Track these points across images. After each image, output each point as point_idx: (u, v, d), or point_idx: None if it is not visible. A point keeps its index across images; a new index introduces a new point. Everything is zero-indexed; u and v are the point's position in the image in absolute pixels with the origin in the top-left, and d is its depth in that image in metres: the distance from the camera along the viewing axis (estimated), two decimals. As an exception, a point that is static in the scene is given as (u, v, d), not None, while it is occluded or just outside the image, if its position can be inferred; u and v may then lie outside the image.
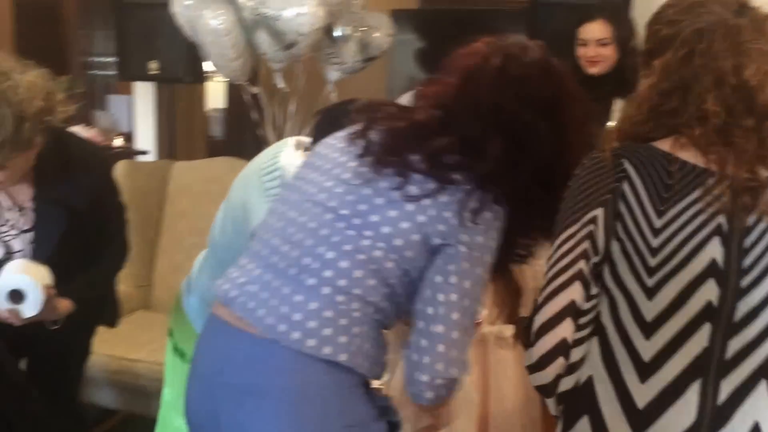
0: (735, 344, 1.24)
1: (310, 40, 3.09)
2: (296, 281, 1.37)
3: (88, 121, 4.95)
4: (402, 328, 1.63)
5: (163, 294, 3.23)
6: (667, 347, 1.25)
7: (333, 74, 3.45)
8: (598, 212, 1.27)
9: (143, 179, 3.41)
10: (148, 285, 3.39)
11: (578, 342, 1.27)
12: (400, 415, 1.48)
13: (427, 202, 1.36)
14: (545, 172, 1.39)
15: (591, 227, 1.26)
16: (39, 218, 2.05)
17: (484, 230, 1.36)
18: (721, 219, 1.24)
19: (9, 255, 2.05)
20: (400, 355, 1.83)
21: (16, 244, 2.06)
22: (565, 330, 1.24)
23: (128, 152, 4.70)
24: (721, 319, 1.24)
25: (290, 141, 1.87)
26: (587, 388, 1.30)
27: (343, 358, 1.32)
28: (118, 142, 4.85)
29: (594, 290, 1.27)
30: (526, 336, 1.29)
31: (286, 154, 1.82)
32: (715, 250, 1.23)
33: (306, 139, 1.84)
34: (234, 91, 4.91)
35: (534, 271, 1.68)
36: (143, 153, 4.76)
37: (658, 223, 1.25)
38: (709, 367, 1.24)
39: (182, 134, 4.89)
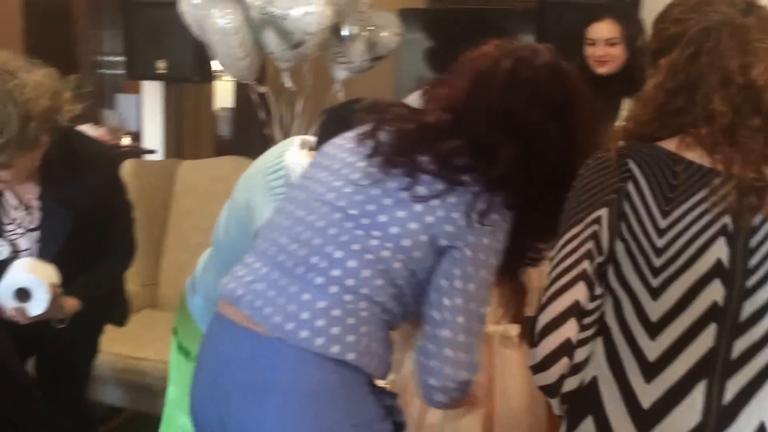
0: (741, 344, 1.23)
1: (318, 39, 3.09)
2: (304, 280, 1.37)
3: (96, 120, 4.97)
4: (407, 328, 1.63)
5: (169, 293, 3.24)
6: (673, 347, 1.24)
7: (340, 73, 3.45)
8: (603, 212, 1.26)
9: (150, 178, 3.41)
10: (154, 284, 3.40)
11: (582, 342, 1.26)
12: (405, 416, 1.48)
13: (435, 202, 1.36)
14: (554, 174, 1.40)
15: (595, 227, 1.26)
16: (45, 217, 2.05)
17: (490, 232, 1.37)
18: (727, 219, 1.23)
19: (16, 253, 2.05)
20: (406, 355, 1.83)
21: (23, 243, 2.07)
22: (569, 330, 1.24)
23: (136, 151, 4.71)
24: (726, 319, 1.23)
25: (295, 140, 1.87)
26: (592, 389, 1.29)
27: (350, 357, 1.32)
28: (125, 141, 4.86)
29: (598, 290, 1.26)
30: (531, 335, 1.29)
31: (291, 153, 1.82)
32: (720, 250, 1.23)
33: (311, 138, 1.84)
34: (242, 90, 4.92)
35: (539, 271, 1.67)
36: (151, 152, 4.77)
37: (663, 223, 1.24)
38: (714, 368, 1.24)
39: (190, 133, 4.90)
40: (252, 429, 1.36)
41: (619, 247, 1.26)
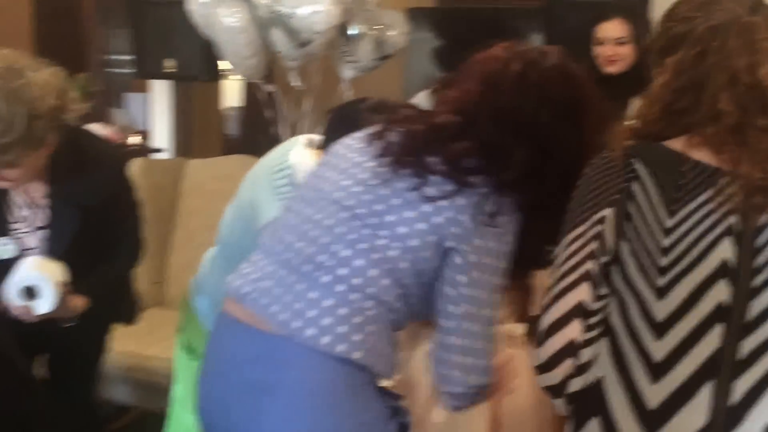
0: (748, 345, 1.22)
1: (325, 38, 3.10)
2: (310, 278, 1.37)
3: (105, 119, 4.98)
4: (413, 327, 1.63)
5: (176, 291, 3.24)
6: (679, 348, 1.24)
7: (348, 72, 3.46)
8: (607, 212, 1.26)
9: (158, 177, 3.42)
10: (161, 282, 3.41)
11: (587, 343, 1.26)
12: (410, 416, 1.47)
13: (444, 203, 1.36)
14: (565, 176, 1.39)
15: (600, 227, 1.25)
16: (53, 216, 2.06)
17: (498, 234, 1.37)
18: (733, 219, 1.22)
19: (24, 252, 2.06)
20: (411, 354, 1.83)
21: (31, 241, 2.07)
22: (574, 331, 1.24)
23: (144, 150, 4.72)
24: (733, 319, 1.22)
25: (301, 139, 1.88)
26: (597, 389, 1.28)
27: (356, 355, 1.32)
28: (134, 139, 4.87)
29: (603, 291, 1.26)
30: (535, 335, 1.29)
31: (297, 152, 1.82)
32: (726, 250, 1.22)
33: (316, 138, 1.84)
34: (250, 89, 4.93)
35: (545, 270, 1.67)
36: (159, 151, 4.78)
37: (669, 222, 1.24)
38: (721, 368, 1.23)
39: (198, 132, 4.91)
40: (258, 428, 1.36)
41: (624, 248, 1.25)
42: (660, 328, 1.24)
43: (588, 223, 1.26)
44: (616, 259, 1.26)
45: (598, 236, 1.25)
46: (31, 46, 4.42)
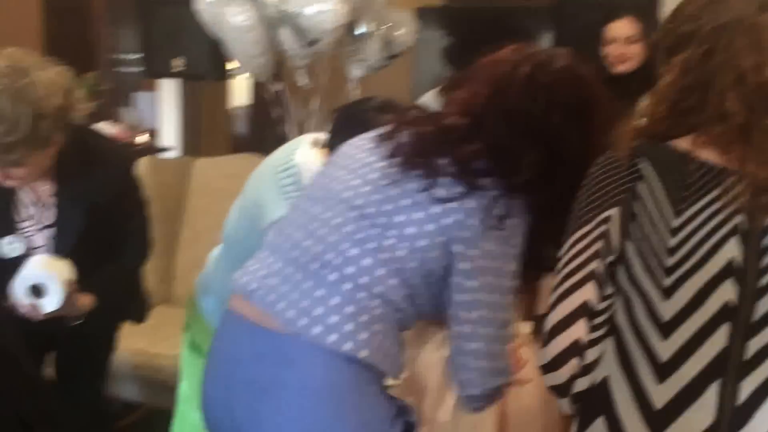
0: (754, 345, 1.22)
1: (333, 37, 3.10)
2: (318, 276, 1.37)
3: (114, 118, 4.99)
4: (420, 325, 1.63)
5: (184, 289, 3.25)
6: (685, 347, 1.23)
7: (355, 71, 3.46)
8: (613, 212, 1.25)
9: (166, 175, 3.43)
10: (168, 280, 3.41)
11: (593, 342, 1.26)
12: (416, 415, 1.47)
13: (453, 205, 1.36)
14: (574, 177, 1.39)
15: (605, 227, 1.25)
16: (60, 214, 2.06)
17: (507, 237, 1.37)
18: (740, 218, 1.22)
19: (31, 250, 2.07)
20: (418, 352, 1.83)
21: (38, 240, 2.08)
22: (579, 331, 1.23)
23: (152, 149, 4.73)
24: (739, 319, 1.22)
25: (306, 138, 1.88)
26: (603, 389, 1.28)
27: (363, 354, 1.32)
28: (142, 138, 4.88)
29: (608, 290, 1.25)
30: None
31: (302, 151, 1.82)
32: (733, 250, 1.21)
33: (322, 137, 1.84)
34: (259, 88, 4.93)
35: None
36: (167, 149, 4.79)
37: (675, 222, 1.23)
38: (728, 368, 1.22)
39: (206, 131, 4.92)
40: (263, 426, 1.36)
41: (630, 247, 1.25)
42: (666, 328, 1.24)
43: (593, 223, 1.26)
44: (622, 259, 1.26)
45: (604, 236, 1.25)
46: (41, 45, 4.44)
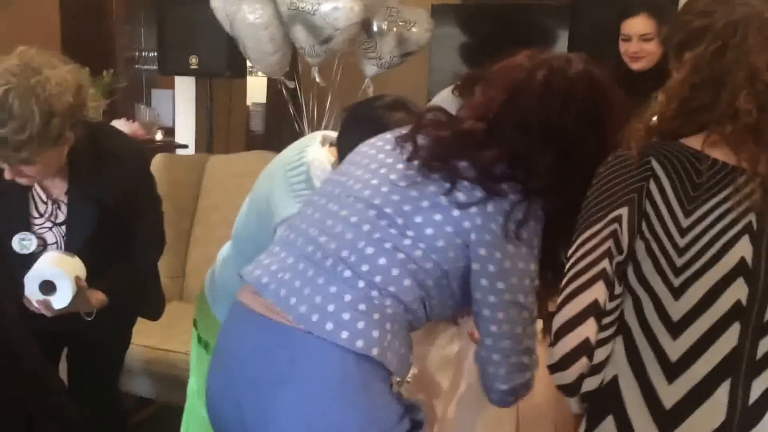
0: (765, 344, 1.21)
1: (347, 34, 3.09)
2: (332, 272, 1.37)
3: (131, 115, 5.02)
4: (429, 323, 1.62)
5: (196, 285, 3.24)
6: (695, 347, 1.23)
7: (370, 69, 3.45)
8: (623, 211, 1.25)
9: (180, 172, 3.44)
10: (181, 276, 3.42)
11: (602, 342, 1.25)
12: (423, 413, 1.47)
13: (474, 210, 1.37)
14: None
15: (615, 226, 1.24)
16: (72, 212, 2.07)
17: (528, 239, 1.38)
18: (751, 217, 1.21)
19: (44, 247, 2.08)
20: (428, 348, 1.82)
21: (51, 237, 2.09)
22: (588, 330, 1.23)
23: (168, 146, 4.75)
24: (750, 318, 1.21)
25: (317, 136, 1.87)
26: (612, 388, 1.28)
27: (375, 352, 1.32)
28: (159, 135, 4.90)
29: (618, 290, 1.25)
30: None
31: (313, 149, 1.82)
32: (744, 249, 1.20)
33: (333, 135, 1.84)
34: (274, 85, 4.94)
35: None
36: (184, 146, 4.81)
37: (685, 221, 1.22)
38: (738, 367, 1.22)
39: (222, 128, 4.93)
40: (272, 422, 1.36)
41: (640, 246, 1.24)
42: (676, 327, 1.23)
43: (603, 222, 1.25)
44: (631, 258, 1.25)
45: (613, 235, 1.24)
46: (59, 44, 4.47)
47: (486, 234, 1.36)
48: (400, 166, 1.44)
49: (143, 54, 5.84)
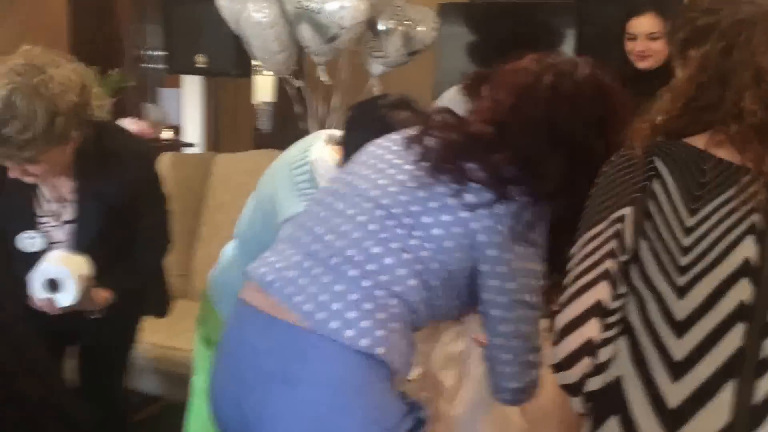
0: None
1: (353, 33, 3.09)
2: (337, 271, 1.37)
3: (139, 114, 5.03)
4: (433, 323, 1.62)
5: (202, 283, 3.21)
6: (700, 347, 1.22)
7: (376, 68, 3.45)
8: (627, 211, 1.24)
9: (187, 171, 3.45)
10: (187, 274, 3.43)
11: (606, 342, 1.25)
12: (426, 412, 1.47)
13: (482, 211, 1.38)
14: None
15: (618, 225, 1.24)
16: (79, 210, 2.08)
17: (535, 240, 1.40)
18: (756, 217, 1.20)
19: (51, 245, 2.09)
20: (432, 347, 1.83)
21: (59, 235, 2.10)
22: (591, 330, 1.22)
23: (176, 144, 4.76)
24: (755, 318, 1.20)
25: (321, 135, 1.88)
26: (616, 388, 1.27)
27: (380, 351, 1.32)
28: (166, 134, 4.91)
29: (621, 289, 1.24)
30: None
31: (317, 148, 1.82)
32: (749, 249, 1.20)
33: (337, 133, 1.84)
34: (281, 84, 4.94)
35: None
36: (191, 145, 4.81)
37: (690, 221, 1.22)
38: (743, 367, 1.21)
39: (228, 127, 4.94)
40: (276, 421, 1.36)
41: (644, 246, 1.24)
42: (680, 327, 1.22)
43: (607, 222, 1.25)
44: (635, 258, 1.25)
45: (617, 235, 1.24)
46: (68, 43, 4.49)
47: (495, 235, 1.37)
48: (409, 166, 1.45)
49: (150, 53, 5.85)
